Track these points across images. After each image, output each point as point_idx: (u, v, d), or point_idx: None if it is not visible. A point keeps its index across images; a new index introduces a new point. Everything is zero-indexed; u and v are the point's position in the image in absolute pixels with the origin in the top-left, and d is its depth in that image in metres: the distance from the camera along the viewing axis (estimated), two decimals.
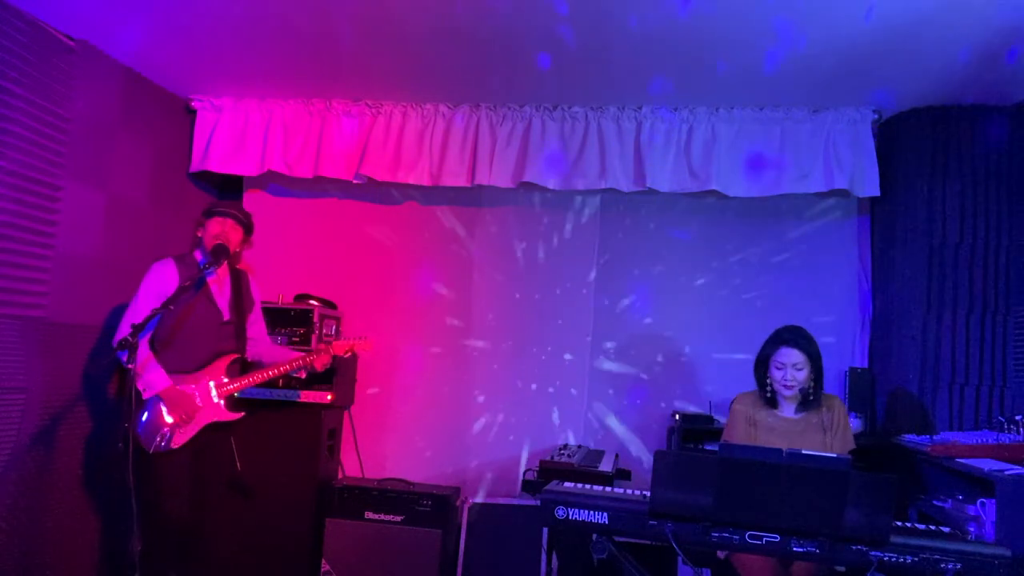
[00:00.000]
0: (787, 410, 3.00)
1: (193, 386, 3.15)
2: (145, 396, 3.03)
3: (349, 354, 3.48)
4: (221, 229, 3.25)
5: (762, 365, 3.01)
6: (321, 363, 3.35)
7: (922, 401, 3.57)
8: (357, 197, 4.40)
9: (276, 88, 4.01)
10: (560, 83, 3.67)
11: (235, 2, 3.03)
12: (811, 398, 2.95)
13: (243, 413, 3.28)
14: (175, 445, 3.07)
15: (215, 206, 3.36)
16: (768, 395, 2.99)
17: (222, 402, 3.21)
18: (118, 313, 3.18)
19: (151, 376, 3.03)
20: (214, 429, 3.20)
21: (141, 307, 3.02)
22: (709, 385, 4.03)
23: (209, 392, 3.18)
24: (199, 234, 3.30)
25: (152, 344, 3.10)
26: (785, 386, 2.92)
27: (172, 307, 2.96)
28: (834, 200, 4.00)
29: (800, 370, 2.90)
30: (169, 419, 3.06)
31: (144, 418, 3.04)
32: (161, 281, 3.12)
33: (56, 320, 3.28)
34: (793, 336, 2.93)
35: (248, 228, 3.37)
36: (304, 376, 3.49)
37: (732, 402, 3.11)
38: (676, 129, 3.87)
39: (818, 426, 2.95)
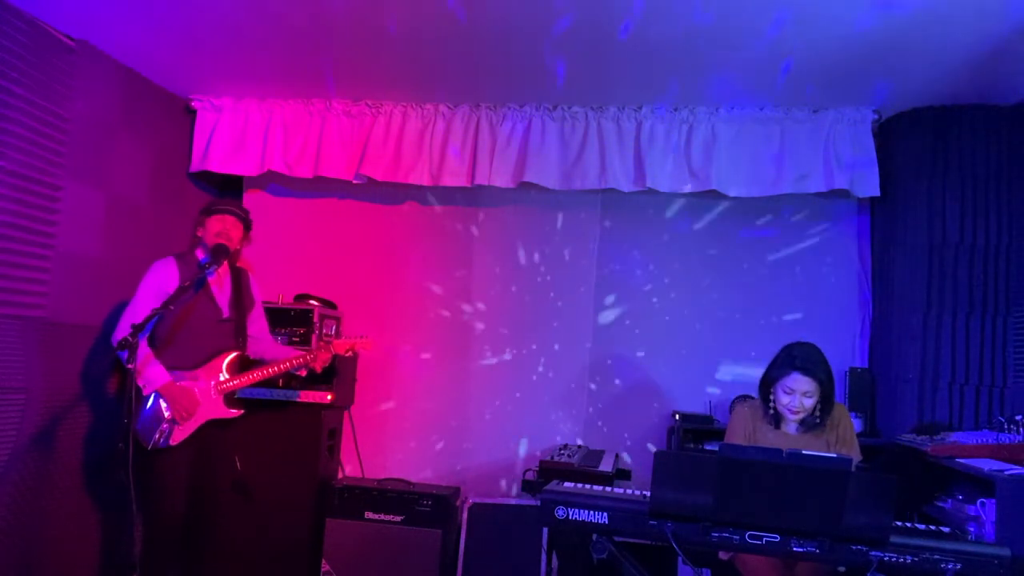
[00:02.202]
0: (790, 428, 2.88)
1: (192, 383, 3.15)
2: (145, 393, 3.03)
3: (350, 353, 3.48)
4: (222, 227, 3.25)
5: (769, 384, 2.86)
6: (321, 361, 3.34)
7: (922, 401, 3.57)
8: (357, 197, 4.40)
9: (276, 88, 4.02)
10: (560, 83, 3.67)
11: (235, 2, 3.03)
12: (817, 421, 2.82)
13: (242, 411, 3.29)
14: (174, 442, 3.08)
15: (214, 204, 3.36)
16: (771, 412, 2.87)
17: (221, 399, 3.21)
18: (118, 311, 3.18)
19: (150, 373, 3.03)
20: (213, 427, 3.20)
21: (141, 306, 3.02)
22: (709, 385, 4.04)
23: (208, 389, 3.18)
24: (199, 233, 3.29)
25: (152, 341, 3.10)
26: (791, 411, 2.79)
27: (172, 307, 2.96)
28: (834, 200, 4.00)
29: (809, 398, 2.76)
30: (168, 416, 3.06)
31: (143, 415, 3.04)
32: (161, 280, 3.12)
33: (56, 320, 3.28)
34: (805, 362, 2.75)
35: (248, 225, 3.36)
36: (304, 374, 3.47)
37: (732, 408, 3.04)
38: (676, 129, 3.86)
39: (822, 444, 2.83)
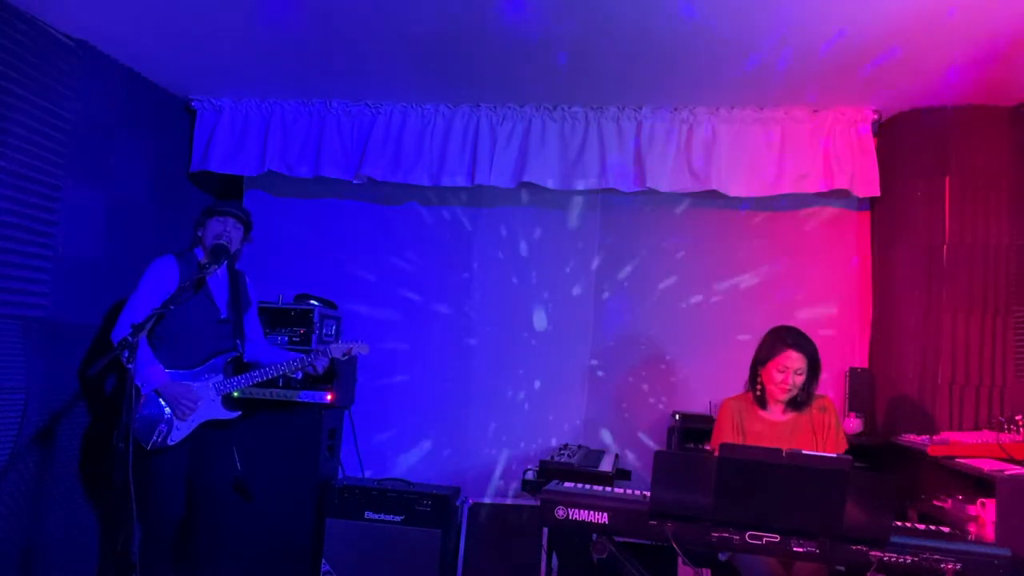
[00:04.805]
0: (775, 412, 2.93)
1: (191, 383, 3.15)
2: (143, 391, 3.03)
3: (347, 357, 3.48)
4: (223, 228, 3.26)
5: (759, 365, 2.92)
6: (321, 365, 3.32)
7: (922, 401, 3.57)
8: (357, 197, 4.40)
9: (276, 88, 4.01)
10: (560, 83, 3.67)
11: (235, 2, 3.03)
12: (801, 401, 2.88)
13: (240, 412, 3.29)
14: (172, 442, 3.08)
15: (216, 205, 3.36)
16: (758, 394, 2.93)
17: (219, 400, 3.22)
18: (118, 310, 3.19)
19: (149, 371, 3.04)
20: (211, 428, 3.21)
21: (141, 303, 3.03)
22: (709, 385, 4.01)
23: (207, 389, 3.19)
24: (199, 233, 3.30)
25: (151, 340, 3.11)
26: (783, 390, 2.84)
27: (174, 307, 2.96)
28: (834, 200, 4.00)
29: (800, 375, 2.82)
30: (167, 414, 3.07)
31: (142, 414, 3.04)
32: (162, 277, 3.13)
33: (56, 320, 3.28)
34: (797, 340, 2.83)
35: (248, 227, 3.37)
36: (300, 377, 3.48)
37: (720, 409, 3.06)
38: (676, 129, 3.86)
39: (807, 428, 2.88)
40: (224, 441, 3.30)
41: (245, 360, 3.40)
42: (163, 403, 3.07)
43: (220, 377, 3.23)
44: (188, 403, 3.09)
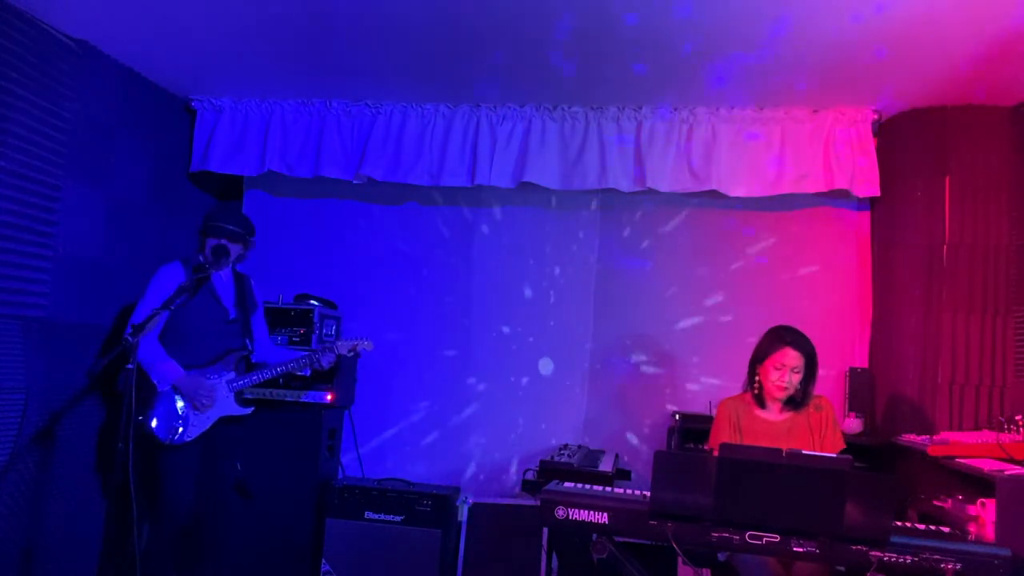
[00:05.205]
0: (772, 411, 2.95)
1: (205, 380, 3.20)
2: (160, 388, 3.10)
3: (352, 353, 3.50)
4: (217, 245, 3.28)
5: (757, 363, 2.94)
6: (327, 361, 3.39)
7: (922, 401, 3.57)
8: (357, 197, 4.40)
9: (276, 88, 4.01)
10: (560, 83, 3.67)
11: (235, 2, 3.03)
12: (799, 400, 2.90)
13: (253, 408, 3.37)
14: (188, 438, 3.14)
15: (211, 220, 3.33)
16: (756, 392, 2.94)
17: (232, 396, 3.28)
18: (123, 312, 3.21)
19: (165, 368, 3.10)
20: (224, 424, 3.26)
21: (149, 308, 3.05)
22: (709, 385, 4.03)
23: (221, 386, 3.25)
24: (202, 241, 3.33)
25: (163, 340, 3.17)
26: (780, 387, 2.85)
27: (173, 307, 2.97)
28: (834, 200, 4.00)
29: (797, 373, 2.84)
30: (182, 411, 3.11)
31: (158, 411, 3.09)
32: (169, 282, 3.16)
33: (56, 320, 3.28)
34: (795, 338, 2.86)
35: (246, 237, 3.38)
36: (309, 374, 3.51)
37: (718, 408, 3.07)
38: (676, 129, 3.86)
39: (804, 427, 2.89)
40: (233, 438, 3.35)
41: (253, 360, 3.46)
42: (179, 400, 3.12)
43: (232, 374, 3.29)
44: (206, 396, 3.15)
